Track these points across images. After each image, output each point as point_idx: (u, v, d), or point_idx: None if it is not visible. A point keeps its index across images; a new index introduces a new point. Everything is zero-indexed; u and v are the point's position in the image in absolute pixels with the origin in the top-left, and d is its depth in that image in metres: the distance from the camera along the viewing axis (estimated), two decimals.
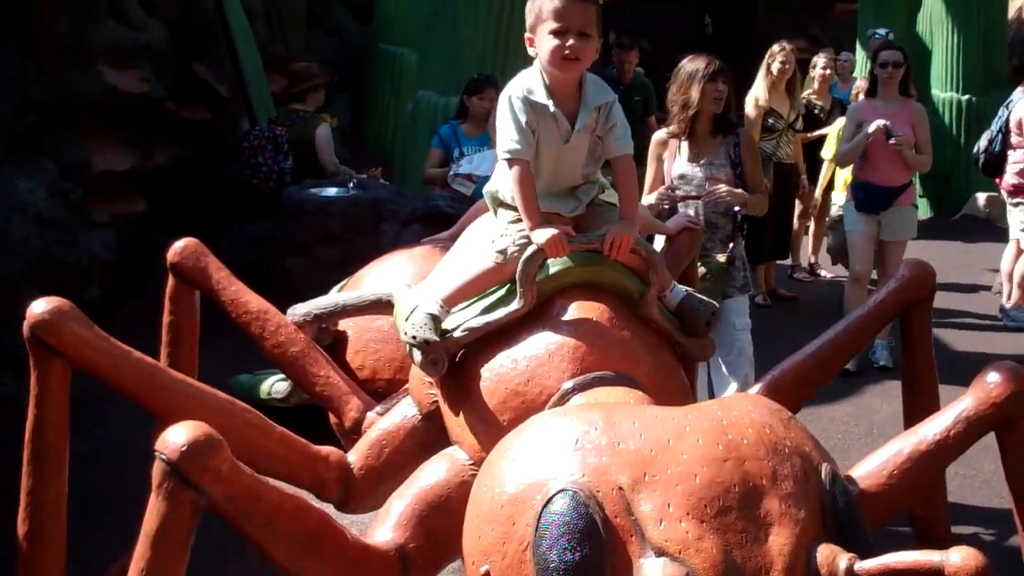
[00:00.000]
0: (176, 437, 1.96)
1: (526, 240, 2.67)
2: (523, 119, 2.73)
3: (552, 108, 2.74)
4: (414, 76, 10.80)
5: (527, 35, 2.80)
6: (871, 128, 7.04)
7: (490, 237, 2.81)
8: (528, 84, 2.78)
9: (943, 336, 7.76)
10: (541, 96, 2.75)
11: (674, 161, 5.38)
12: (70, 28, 7.26)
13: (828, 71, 9.93)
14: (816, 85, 9.86)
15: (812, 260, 10.23)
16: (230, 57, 9.87)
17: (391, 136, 12.41)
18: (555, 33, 2.69)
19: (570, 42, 2.68)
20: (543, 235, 2.61)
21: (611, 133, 2.84)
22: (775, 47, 9.01)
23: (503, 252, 2.71)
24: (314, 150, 8.35)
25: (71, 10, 7.30)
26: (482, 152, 7.31)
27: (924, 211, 13.62)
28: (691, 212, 5.21)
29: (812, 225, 10.12)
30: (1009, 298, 8.61)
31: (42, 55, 6.99)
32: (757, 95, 8.83)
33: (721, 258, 5.23)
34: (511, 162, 2.73)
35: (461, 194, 7.27)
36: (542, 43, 2.73)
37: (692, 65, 5.26)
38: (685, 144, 5.37)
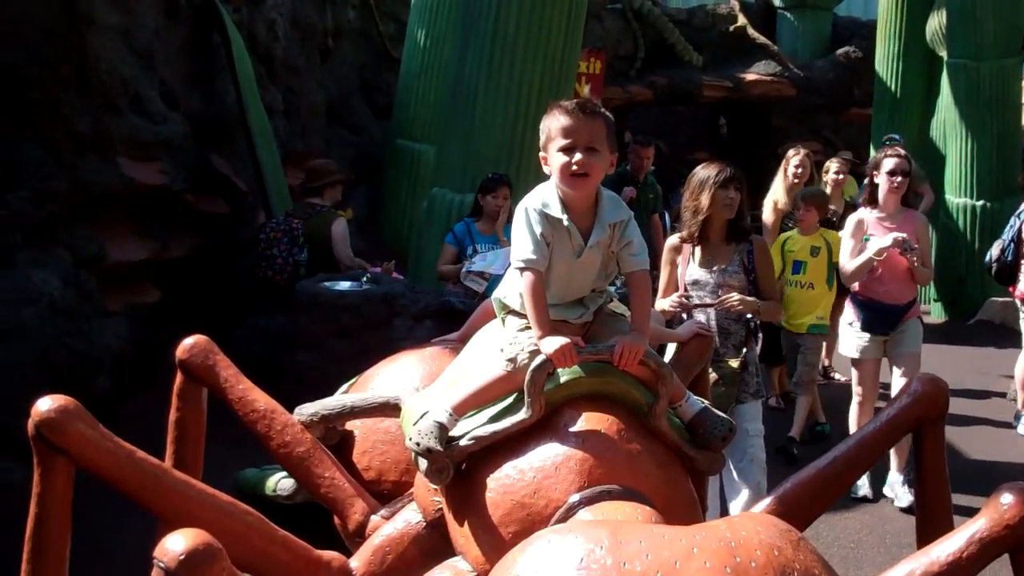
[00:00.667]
0: (175, 545, 1.94)
1: (536, 349, 2.66)
2: (539, 231, 2.75)
3: (566, 222, 2.76)
4: (431, 171, 10.89)
5: (541, 154, 2.83)
6: (886, 242, 6.51)
7: (499, 345, 2.80)
8: (544, 198, 2.80)
9: (957, 442, 7.68)
10: (556, 210, 2.77)
11: (687, 266, 5.39)
12: (91, 121, 7.36)
13: (841, 175, 9.96)
14: (829, 189, 9.86)
15: (826, 363, 10.15)
16: (249, 151, 9.98)
17: (407, 230, 12.49)
18: (563, 150, 2.74)
19: (577, 157, 2.72)
20: (552, 344, 2.60)
21: (626, 250, 2.87)
22: (791, 151, 9.08)
23: (513, 360, 2.69)
24: (329, 244, 8.39)
25: (93, 103, 7.40)
26: (495, 250, 7.35)
27: (938, 315, 13.62)
28: (703, 318, 5.23)
29: None
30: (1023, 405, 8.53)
31: (62, 146, 7.08)
32: (776, 199, 8.86)
33: (734, 363, 5.20)
34: (524, 271, 2.73)
35: (473, 291, 7.29)
36: (552, 160, 2.78)
37: (705, 172, 5.28)
38: (699, 250, 5.38)
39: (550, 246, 2.77)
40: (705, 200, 5.22)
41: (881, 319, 6.77)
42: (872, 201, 6.86)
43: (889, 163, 6.72)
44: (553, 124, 2.78)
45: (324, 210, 8.59)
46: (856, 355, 6.90)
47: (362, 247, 10.27)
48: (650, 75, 18.17)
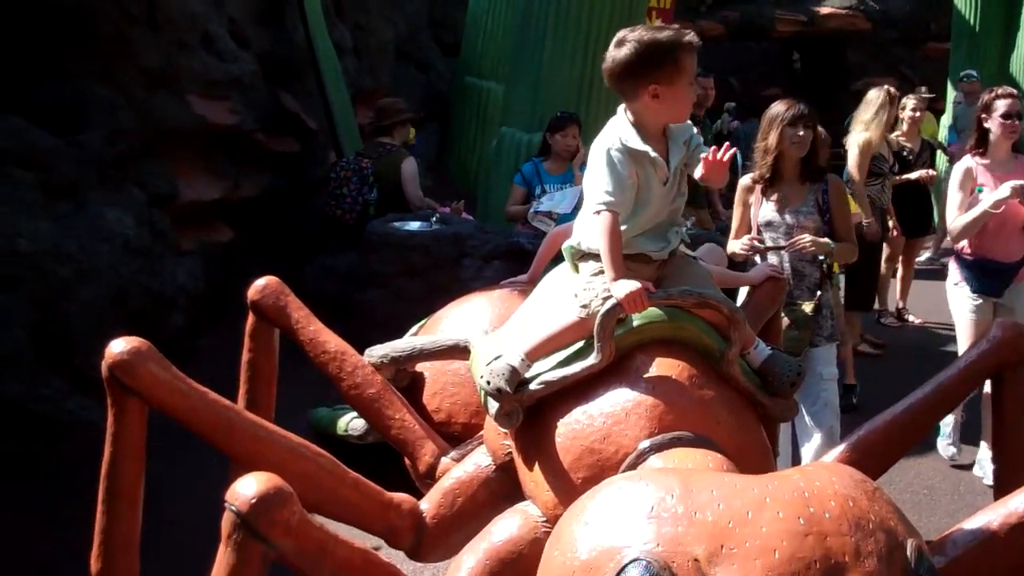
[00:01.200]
0: (246, 489, 1.95)
1: (610, 293, 2.63)
2: (623, 171, 2.70)
3: (652, 154, 2.72)
4: (499, 110, 10.82)
5: (652, 86, 2.71)
6: (1004, 192, 5.82)
7: (572, 290, 2.77)
8: (621, 134, 2.74)
9: None
10: (638, 143, 2.72)
11: (760, 207, 5.28)
12: (161, 59, 7.39)
13: (918, 113, 9.73)
14: (905, 127, 9.64)
15: (900, 305, 10.02)
16: (318, 90, 9.98)
17: (475, 168, 12.46)
18: (690, 82, 2.73)
19: (699, 91, 2.73)
20: (623, 288, 2.56)
21: (695, 154, 2.82)
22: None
23: (587, 307, 2.66)
24: (399, 184, 8.38)
25: (163, 42, 7.43)
26: (563, 190, 7.29)
27: None
28: (776, 261, 5.13)
29: (900, 269, 9.91)
30: None
31: (133, 85, 7.13)
32: (871, 139, 8.53)
33: (808, 307, 5.10)
34: (602, 212, 2.68)
35: (542, 231, 7.24)
36: (678, 95, 2.72)
37: (775, 110, 5.18)
38: (772, 190, 5.26)
39: (636, 183, 2.73)
40: (773, 138, 5.12)
41: (994, 279, 6.11)
42: (980, 147, 6.19)
43: (1002, 105, 6.07)
44: (684, 60, 2.70)
45: (394, 149, 8.57)
46: (970, 317, 6.21)
47: (431, 186, 10.27)
48: (721, 9, 17.92)
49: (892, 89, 8.76)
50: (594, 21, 8.73)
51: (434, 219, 7.81)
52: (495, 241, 7.49)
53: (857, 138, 8.45)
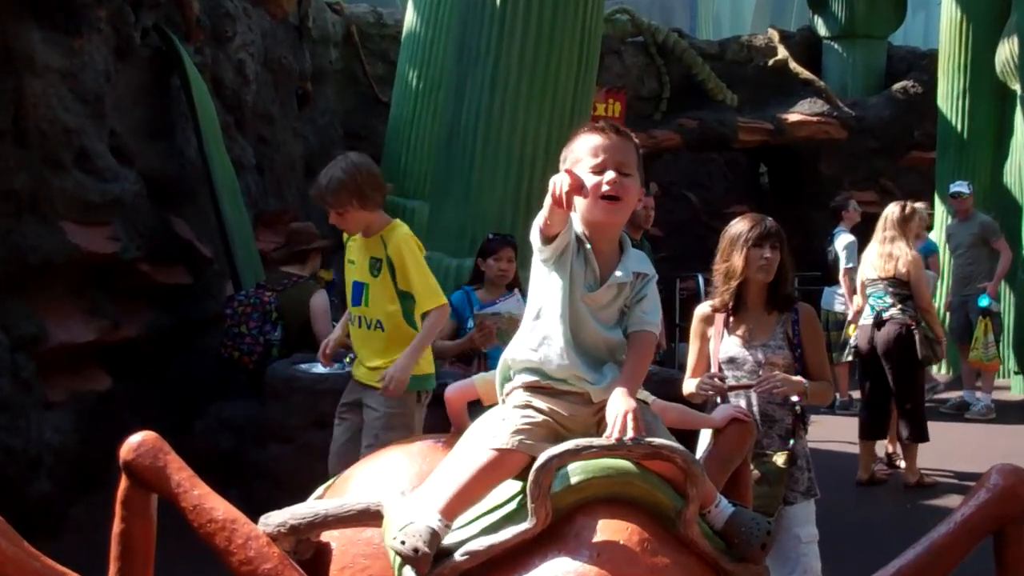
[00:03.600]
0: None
1: (528, 425, 2.64)
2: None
3: (588, 245, 2.80)
4: (425, 233, 10.87)
5: None
6: None
7: (491, 428, 2.76)
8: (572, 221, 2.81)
9: None
10: (578, 229, 2.80)
11: (721, 341, 5.25)
12: (29, 178, 7.31)
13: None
14: None
15: (889, 450, 10.01)
16: (214, 212, 9.95)
17: None
18: (594, 170, 2.77)
19: (609, 176, 2.74)
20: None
21: (639, 305, 2.90)
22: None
23: (497, 437, 2.65)
24: (308, 320, 8.33)
25: (31, 158, 7.36)
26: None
27: (1020, 390, 13.48)
28: (742, 403, 5.05)
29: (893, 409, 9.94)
30: None
31: None
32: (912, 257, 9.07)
33: (779, 459, 5.04)
34: None
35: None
36: None
37: (737, 228, 5.20)
38: (735, 321, 5.25)
39: (571, 268, 2.78)
40: (737, 261, 5.12)
41: None
42: None
43: None
44: (580, 145, 2.82)
45: (302, 281, 8.54)
46: None
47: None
48: (678, 117, 18.19)
49: (913, 204, 9.25)
50: (529, 133, 8.85)
51: (348, 359, 7.75)
52: None
53: (909, 256, 8.83)
